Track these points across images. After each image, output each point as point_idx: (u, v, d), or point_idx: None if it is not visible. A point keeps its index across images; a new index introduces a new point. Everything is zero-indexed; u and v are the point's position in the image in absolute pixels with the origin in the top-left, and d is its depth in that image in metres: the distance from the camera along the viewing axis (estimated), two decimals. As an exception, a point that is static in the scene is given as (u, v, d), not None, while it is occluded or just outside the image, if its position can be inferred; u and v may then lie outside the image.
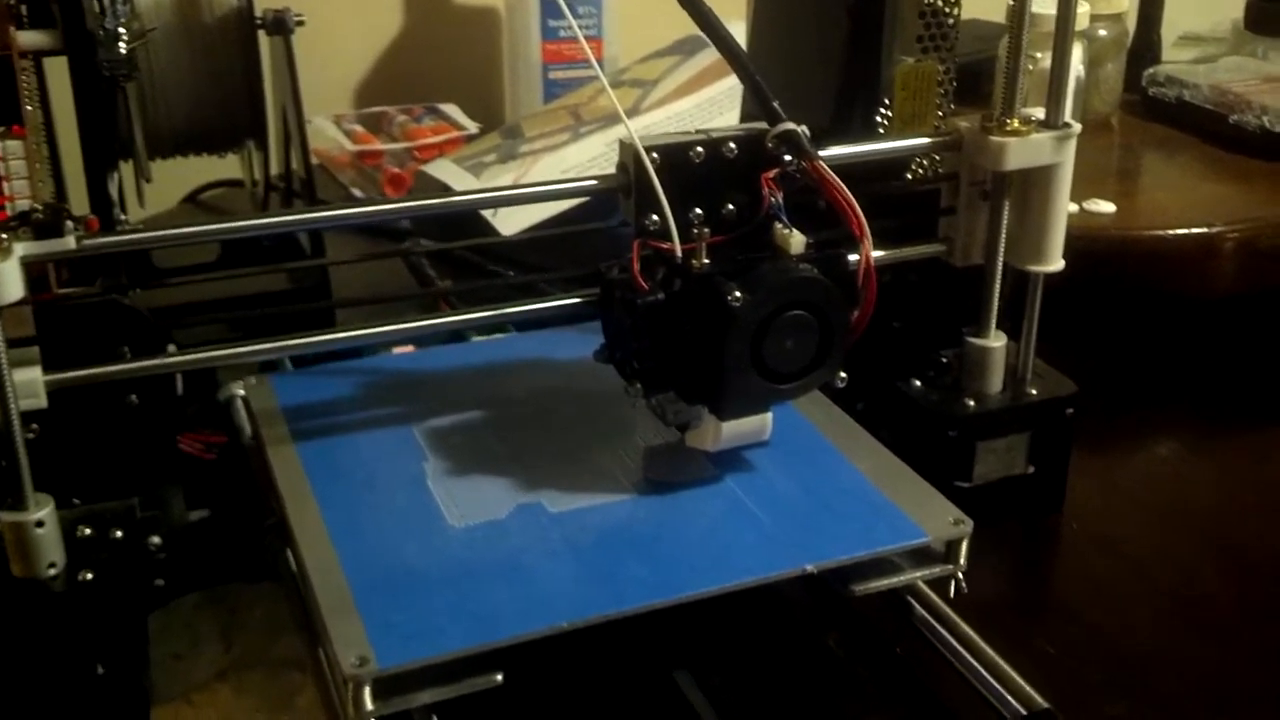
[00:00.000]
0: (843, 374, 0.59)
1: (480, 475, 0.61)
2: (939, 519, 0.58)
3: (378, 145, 1.20)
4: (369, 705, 0.49)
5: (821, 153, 0.59)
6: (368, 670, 0.48)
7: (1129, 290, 0.92)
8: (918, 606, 0.61)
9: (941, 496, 0.60)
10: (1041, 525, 0.75)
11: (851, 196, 0.57)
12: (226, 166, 0.92)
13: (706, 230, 0.57)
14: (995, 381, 0.73)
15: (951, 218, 0.71)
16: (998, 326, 0.72)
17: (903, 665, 0.62)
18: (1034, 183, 0.69)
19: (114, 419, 0.60)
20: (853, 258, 0.58)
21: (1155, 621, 0.67)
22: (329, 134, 1.23)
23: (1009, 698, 0.57)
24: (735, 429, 0.59)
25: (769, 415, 0.60)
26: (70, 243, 0.55)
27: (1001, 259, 0.70)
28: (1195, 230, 0.91)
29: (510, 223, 0.99)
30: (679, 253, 0.57)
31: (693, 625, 0.57)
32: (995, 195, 0.69)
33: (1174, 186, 1.03)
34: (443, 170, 1.08)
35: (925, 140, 0.72)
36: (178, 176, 0.95)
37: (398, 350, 0.73)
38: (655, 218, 0.58)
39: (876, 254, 0.65)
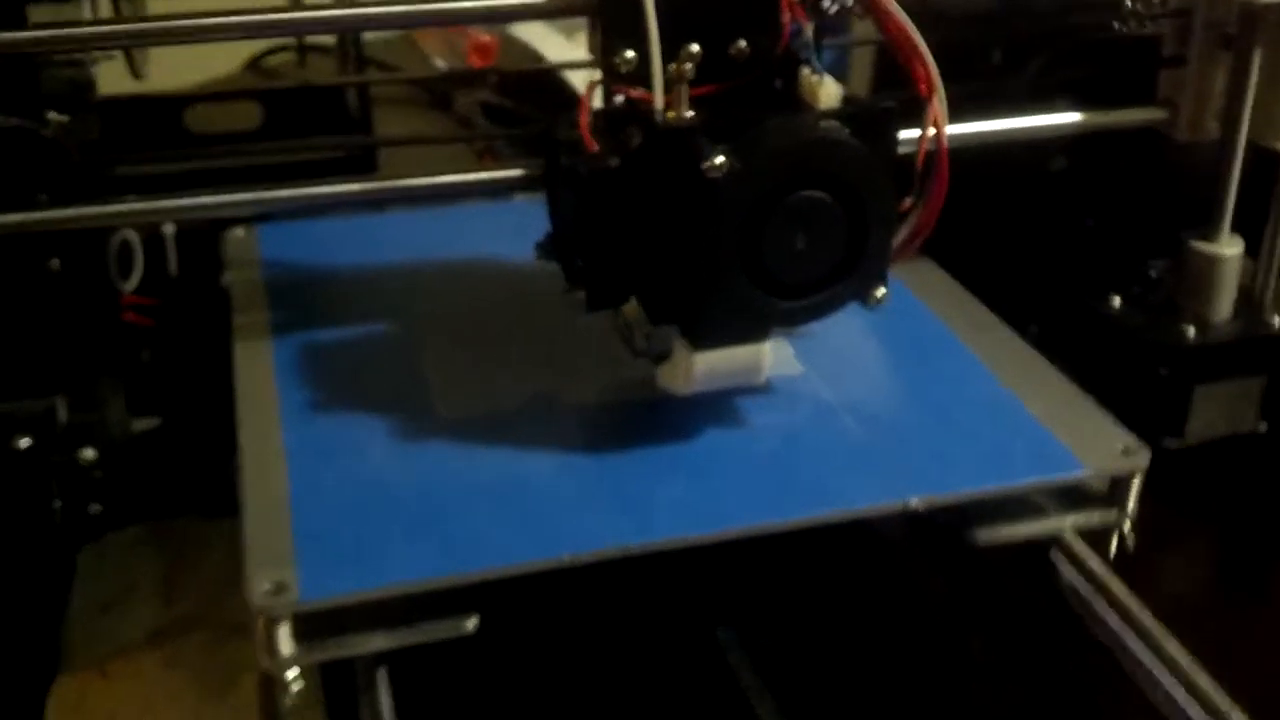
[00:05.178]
0: (882, 290, 0.45)
1: (484, 358, 0.51)
2: (1102, 446, 0.47)
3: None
4: (284, 650, 0.39)
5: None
6: (285, 601, 0.38)
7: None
8: (1067, 568, 0.49)
9: (1107, 416, 0.49)
10: (1274, 500, 0.62)
11: (917, 33, 0.44)
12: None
13: (688, 67, 0.43)
14: (1224, 305, 0.60)
15: (1177, 73, 0.59)
16: (1233, 229, 0.60)
17: (1042, 649, 0.50)
18: (1298, 27, 0.56)
19: (29, 289, 0.51)
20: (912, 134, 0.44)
21: None
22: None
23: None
24: (715, 365, 0.45)
25: (765, 347, 0.46)
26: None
27: (1245, 131, 0.57)
28: None
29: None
30: (660, 102, 0.43)
31: (745, 569, 0.49)
32: (1243, 41, 0.57)
33: None
34: (530, 32, 1.00)
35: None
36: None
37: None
38: (630, 54, 0.44)
39: (1062, 120, 0.57)
